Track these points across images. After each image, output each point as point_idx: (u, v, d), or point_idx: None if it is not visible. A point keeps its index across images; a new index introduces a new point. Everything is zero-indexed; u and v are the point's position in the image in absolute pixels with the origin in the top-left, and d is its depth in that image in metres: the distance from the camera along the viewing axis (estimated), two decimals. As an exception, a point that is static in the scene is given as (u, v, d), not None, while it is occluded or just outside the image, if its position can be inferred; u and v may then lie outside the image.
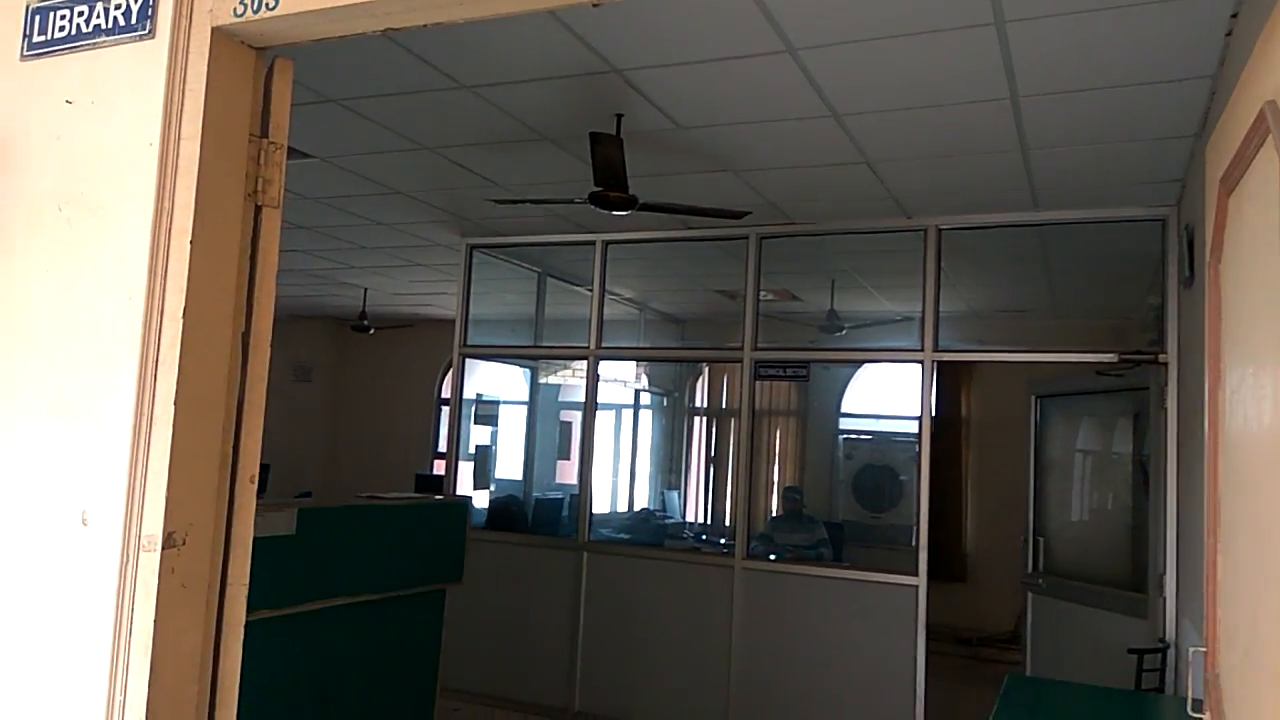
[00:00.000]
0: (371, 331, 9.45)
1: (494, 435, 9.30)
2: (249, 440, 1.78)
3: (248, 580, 1.74)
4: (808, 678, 5.31)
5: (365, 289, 8.87)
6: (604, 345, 6.21)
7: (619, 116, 3.92)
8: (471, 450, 8.19)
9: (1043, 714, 3.24)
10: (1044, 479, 5.90)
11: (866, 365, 8.94)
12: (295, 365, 11.48)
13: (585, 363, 6.28)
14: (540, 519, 7.18)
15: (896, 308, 7.83)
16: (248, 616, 1.89)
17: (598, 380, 6.21)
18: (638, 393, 9.85)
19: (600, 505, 7.96)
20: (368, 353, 11.31)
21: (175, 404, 1.62)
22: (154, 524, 1.55)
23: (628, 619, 5.77)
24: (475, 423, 8.19)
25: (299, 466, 10.96)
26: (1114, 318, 7.58)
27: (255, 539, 1.76)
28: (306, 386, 11.56)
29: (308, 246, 7.09)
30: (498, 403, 8.99)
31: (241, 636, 1.69)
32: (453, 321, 6.72)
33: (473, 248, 6.57)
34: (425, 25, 1.54)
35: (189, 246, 1.65)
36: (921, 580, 5.13)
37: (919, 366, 5.36)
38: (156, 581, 1.53)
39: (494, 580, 5.97)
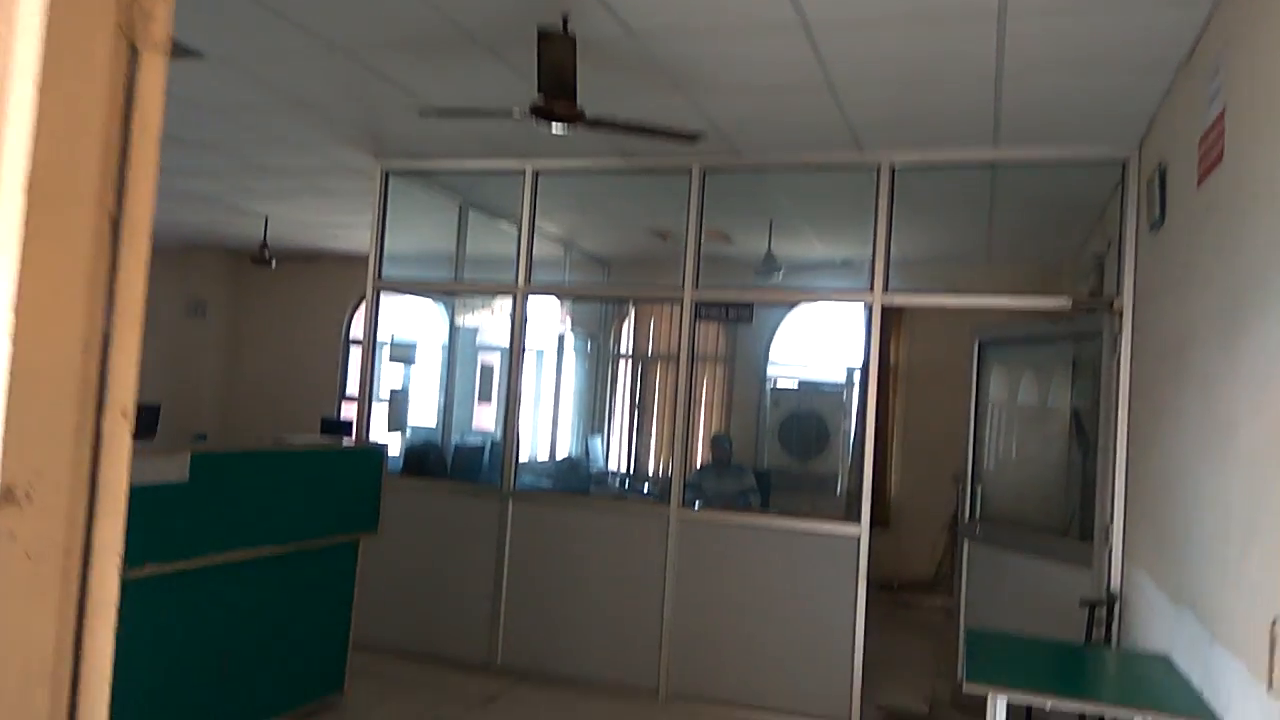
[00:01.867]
0: (273, 264, 8.75)
1: (406, 378, 8.81)
2: (121, 360, 1.31)
3: (122, 546, 1.29)
4: (745, 628, 5.11)
5: (266, 217, 8.18)
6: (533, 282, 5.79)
7: (565, 17, 3.48)
8: (385, 393, 7.69)
9: (1019, 670, 3.05)
10: (980, 426, 5.79)
11: (794, 311, 8.75)
12: (188, 299, 10.68)
13: (509, 301, 5.85)
14: (460, 466, 6.79)
15: (832, 252, 7.61)
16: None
17: (525, 319, 5.80)
18: (561, 335, 9.45)
19: (522, 452, 7.60)
20: (269, 287, 10.58)
21: (15, 309, 1.16)
22: (-16, 473, 1.13)
23: (555, 569, 5.46)
24: (390, 361, 7.68)
25: (193, 408, 10.26)
26: (1050, 264, 7.54)
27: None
28: (200, 322, 10.78)
29: (198, 164, 6.41)
30: (413, 345, 8.48)
31: (114, 621, 1.21)
32: (363, 256, 6.19)
33: (388, 173, 6.02)
34: None
35: (34, 92, 1.18)
36: (863, 530, 4.96)
37: (864, 309, 5.13)
38: (-12, 551, 1.11)
39: (411, 530, 5.57)
